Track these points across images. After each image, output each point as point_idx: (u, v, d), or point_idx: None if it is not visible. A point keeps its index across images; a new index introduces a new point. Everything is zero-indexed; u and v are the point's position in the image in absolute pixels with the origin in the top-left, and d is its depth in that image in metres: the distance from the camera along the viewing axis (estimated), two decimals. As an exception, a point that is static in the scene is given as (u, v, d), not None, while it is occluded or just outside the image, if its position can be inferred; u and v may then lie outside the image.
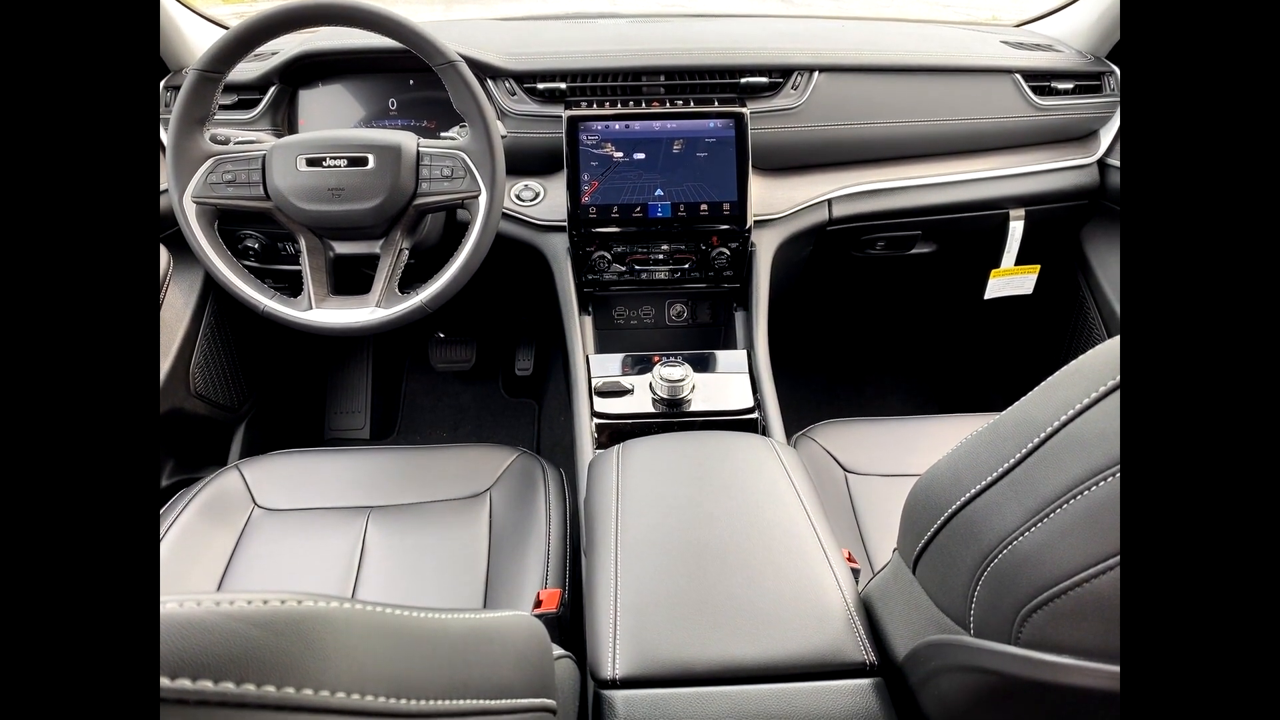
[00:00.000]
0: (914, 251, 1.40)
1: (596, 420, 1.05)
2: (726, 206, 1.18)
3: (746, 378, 1.11)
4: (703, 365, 1.12)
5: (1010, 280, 1.43)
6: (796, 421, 1.12)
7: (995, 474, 0.44)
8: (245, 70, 1.20)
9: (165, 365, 1.27)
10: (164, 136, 1.00)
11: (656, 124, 1.16)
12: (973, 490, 0.46)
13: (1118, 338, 0.40)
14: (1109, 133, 1.36)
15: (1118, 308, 1.35)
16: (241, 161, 1.01)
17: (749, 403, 1.07)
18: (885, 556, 0.66)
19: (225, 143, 1.04)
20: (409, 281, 1.05)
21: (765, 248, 1.22)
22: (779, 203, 1.25)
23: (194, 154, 1.00)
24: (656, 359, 1.09)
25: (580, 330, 1.19)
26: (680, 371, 1.04)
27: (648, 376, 1.07)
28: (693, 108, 1.18)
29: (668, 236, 1.20)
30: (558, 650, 0.54)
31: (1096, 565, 0.37)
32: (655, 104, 1.20)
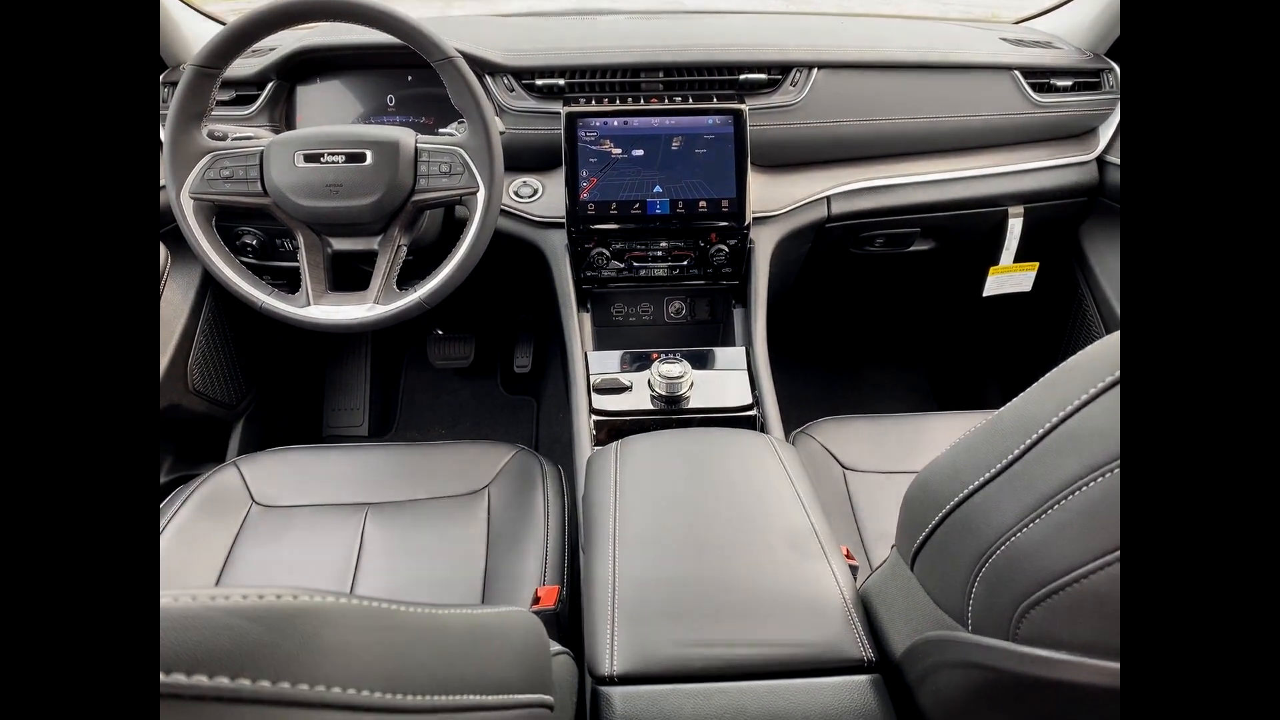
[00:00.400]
0: (913, 249, 1.40)
1: (595, 417, 1.05)
2: (725, 203, 1.18)
3: (745, 375, 1.11)
4: (701, 362, 1.12)
5: (1009, 277, 1.43)
6: (795, 419, 1.12)
7: (994, 470, 0.44)
8: (243, 66, 1.20)
9: (163, 362, 1.27)
10: (161, 133, 0.99)
11: (655, 121, 1.16)
12: (971, 486, 0.46)
13: (1116, 334, 0.40)
14: (1108, 130, 1.36)
15: (1116, 305, 1.35)
16: (239, 157, 1.00)
17: (747, 400, 1.07)
18: (883, 553, 0.65)
19: (223, 139, 1.03)
20: (407, 278, 1.05)
21: (764, 245, 1.22)
22: (778, 200, 1.24)
23: (191, 150, 1.00)
24: (655, 356, 1.09)
25: (579, 327, 1.19)
26: (679, 369, 1.04)
27: (646, 373, 1.07)
28: (691, 104, 1.18)
29: (666, 233, 1.20)
30: (555, 646, 0.54)
31: (1095, 561, 0.37)
32: (654, 101, 1.20)
